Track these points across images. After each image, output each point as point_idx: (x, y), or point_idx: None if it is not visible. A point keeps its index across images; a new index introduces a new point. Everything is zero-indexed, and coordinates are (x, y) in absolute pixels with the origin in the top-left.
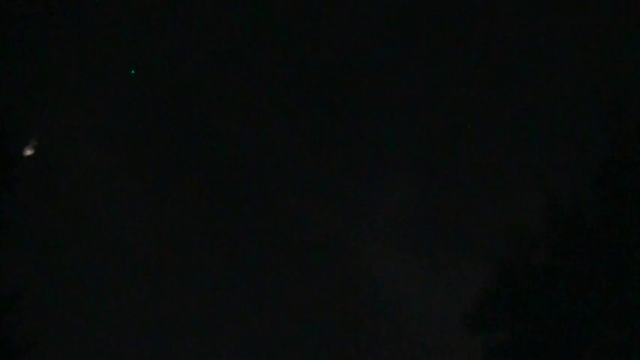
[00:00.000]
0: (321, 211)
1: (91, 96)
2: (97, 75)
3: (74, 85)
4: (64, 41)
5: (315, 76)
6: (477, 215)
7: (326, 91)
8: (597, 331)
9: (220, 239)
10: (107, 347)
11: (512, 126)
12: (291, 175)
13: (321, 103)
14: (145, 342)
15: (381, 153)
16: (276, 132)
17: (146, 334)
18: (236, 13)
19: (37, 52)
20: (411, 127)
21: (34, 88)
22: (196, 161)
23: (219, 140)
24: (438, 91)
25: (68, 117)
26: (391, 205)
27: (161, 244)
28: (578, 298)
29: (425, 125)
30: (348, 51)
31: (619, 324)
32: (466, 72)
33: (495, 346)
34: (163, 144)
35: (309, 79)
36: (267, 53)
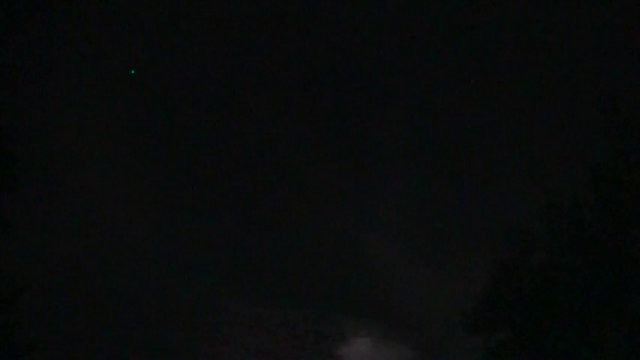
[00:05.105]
0: (323, 209)
1: (91, 95)
2: (96, 75)
3: (74, 84)
4: (64, 41)
5: (318, 74)
6: (477, 215)
7: (329, 90)
8: (597, 331)
9: (224, 235)
10: (107, 347)
11: (513, 126)
12: (295, 171)
13: (325, 101)
14: (146, 342)
15: (383, 153)
16: (279, 129)
17: (146, 334)
18: (238, 13)
19: (37, 52)
20: (413, 126)
21: (34, 87)
22: (198, 160)
23: (221, 139)
24: (439, 90)
25: (68, 116)
26: (392, 206)
27: (162, 243)
28: (577, 298)
29: (426, 124)
30: (351, 50)
31: (619, 324)
32: (467, 72)
33: (495, 346)
34: (163, 143)
35: (311, 78)
36: (269, 53)
